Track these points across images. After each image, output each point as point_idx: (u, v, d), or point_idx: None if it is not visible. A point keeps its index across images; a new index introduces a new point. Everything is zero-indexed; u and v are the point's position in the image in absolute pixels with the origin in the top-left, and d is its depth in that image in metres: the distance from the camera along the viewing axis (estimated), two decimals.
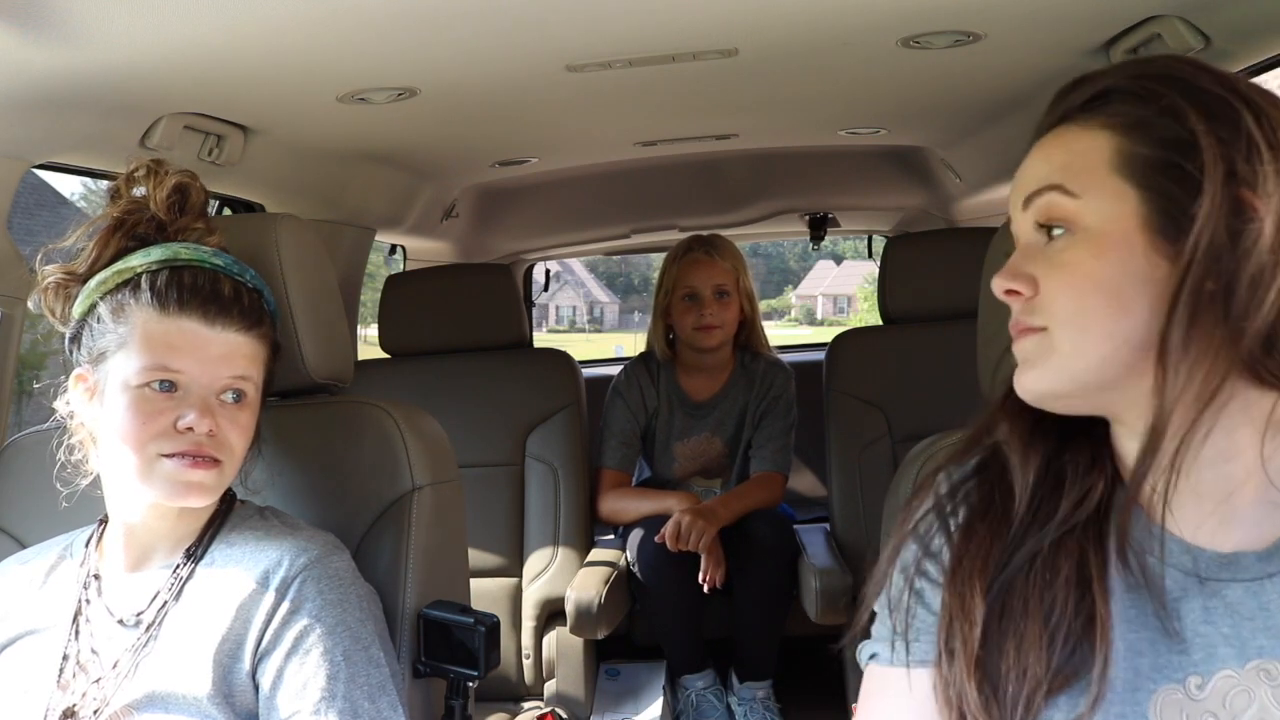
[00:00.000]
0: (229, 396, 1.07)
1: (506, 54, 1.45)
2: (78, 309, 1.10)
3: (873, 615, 0.83)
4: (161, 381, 1.04)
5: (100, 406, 1.07)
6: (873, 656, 0.81)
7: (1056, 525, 0.74)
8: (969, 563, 0.76)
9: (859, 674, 0.84)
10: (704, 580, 2.17)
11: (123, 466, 1.06)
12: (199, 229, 1.14)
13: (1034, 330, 0.73)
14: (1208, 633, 0.71)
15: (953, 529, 0.79)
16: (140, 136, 1.52)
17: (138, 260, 1.08)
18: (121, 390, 1.04)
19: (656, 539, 2.18)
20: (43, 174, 1.75)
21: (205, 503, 1.08)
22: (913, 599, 0.79)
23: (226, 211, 2.02)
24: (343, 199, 2.23)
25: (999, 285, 0.75)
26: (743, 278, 2.45)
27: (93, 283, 1.09)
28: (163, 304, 1.05)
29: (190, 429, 1.03)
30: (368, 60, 1.42)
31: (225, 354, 1.07)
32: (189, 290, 1.06)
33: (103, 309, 1.08)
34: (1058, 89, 0.77)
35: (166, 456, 1.04)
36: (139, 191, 1.12)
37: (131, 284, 1.07)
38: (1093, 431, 0.77)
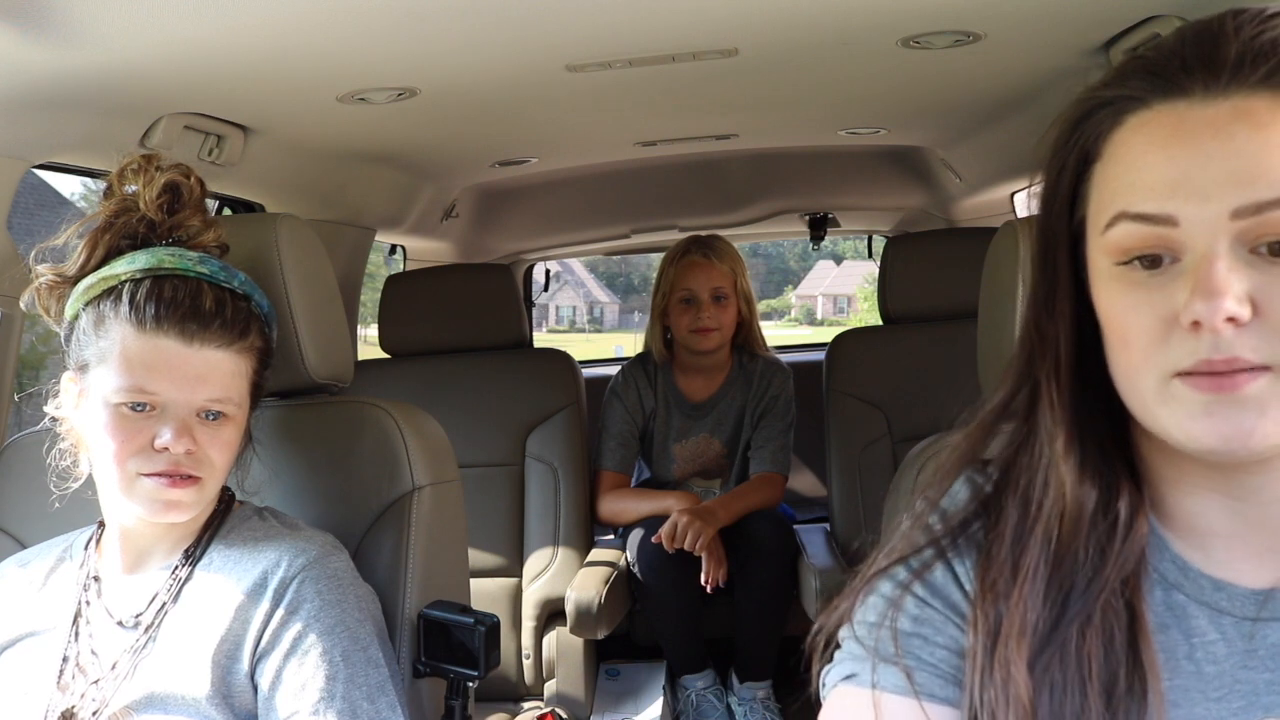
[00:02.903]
0: (208, 415, 1.06)
1: (506, 54, 1.45)
2: (68, 312, 1.09)
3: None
4: (138, 402, 1.03)
5: (87, 412, 1.07)
6: (848, 678, 0.71)
7: (1108, 581, 0.66)
8: (1007, 632, 0.66)
9: None
10: (706, 580, 2.18)
11: (106, 478, 1.06)
12: (194, 225, 1.12)
13: (1258, 370, 0.59)
14: (1248, 678, 0.65)
15: (961, 576, 0.71)
16: (140, 136, 1.52)
17: (122, 268, 1.06)
18: (102, 406, 1.03)
19: (654, 540, 2.18)
20: (43, 174, 1.75)
21: (186, 518, 1.08)
22: (910, 625, 0.71)
23: (226, 211, 2.02)
24: (343, 199, 2.23)
25: (1222, 310, 0.58)
26: (740, 280, 2.44)
27: (80, 287, 1.07)
28: (140, 320, 1.03)
29: (167, 449, 1.02)
30: (368, 60, 1.42)
31: (203, 373, 1.04)
32: (168, 305, 1.03)
33: (85, 319, 1.06)
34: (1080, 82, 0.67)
35: (145, 475, 1.03)
36: (131, 189, 1.10)
37: (113, 294, 1.05)
38: (1130, 461, 0.70)
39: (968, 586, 0.71)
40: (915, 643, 0.70)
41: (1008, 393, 0.73)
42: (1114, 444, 0.70)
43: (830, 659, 0.74)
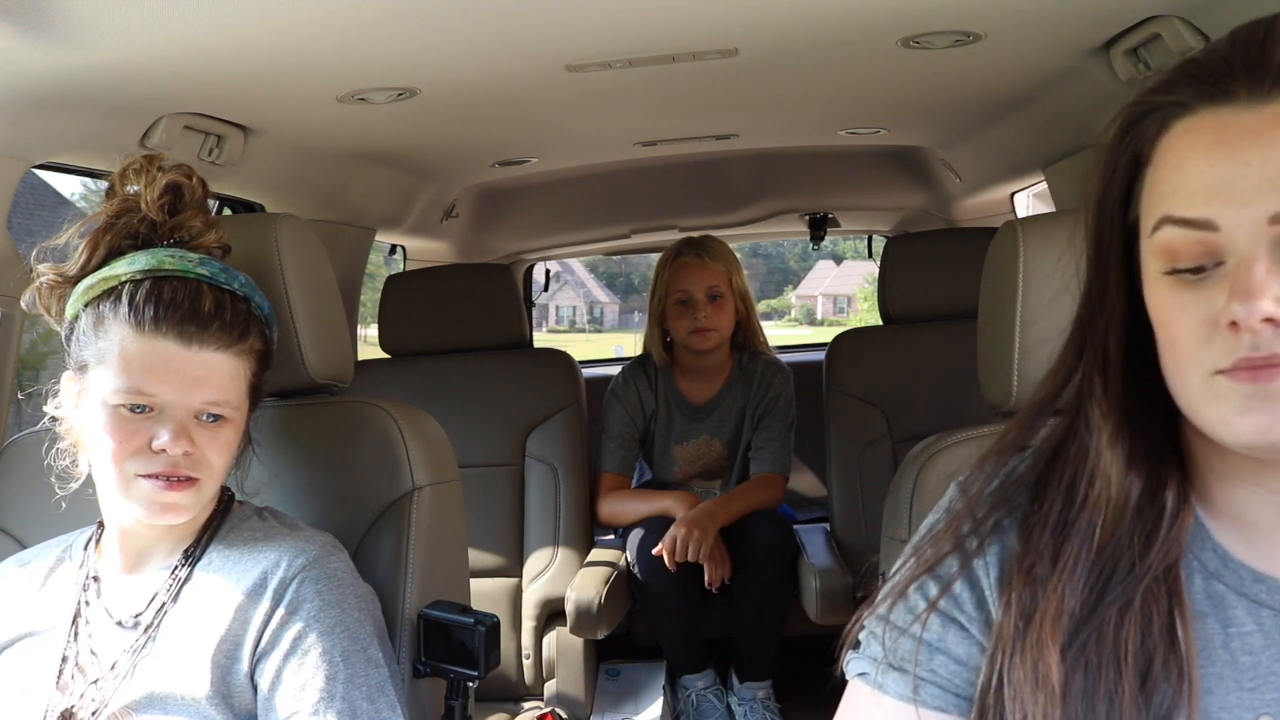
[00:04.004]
0: (206, 417, 1.06)
1: (506, 54, 1.45)
2: (68, 312, 1.09)
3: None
4: (136, 404, 1.02)
5: (86, 412, 1.06)
6: (861, 674, 0.76)
7: (1151, 567, 0.67)
8: (1042, 615, 0.68)
9: None
10: (711, 584, 2.18)
11: (104, 479, 1.06)
12: (196, 226, 1.12)
13: None
14: None
15: (982, 578, 0.73)
16: (140, 136, 1.52)
17: (122, 268, 1.06)
18: (100, 406, 1.03)
19: (654, 552, 2.18)
20: (43, 174, 1.75)
21: (183, 520, 1.07)
22: (926, 634, 0.73)
23: (226, 212, 2.02)
24: (343, 199, 2.23)
25: (1258, 312, 0.60)
26: (736, 278, 2.44)
27: (80, 287, 1.07)
28: (139, 322, 1.03)
29: (164, 450, 1.02)
30: (368, 60, 1.42)
31: (201, 376, 1.04)
32: (167, 307, 1.03)
33: (85, 320, 1.06)
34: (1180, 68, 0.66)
35: (143, 477, 1.03)
36: (133, 189, 1.10)
37: (113, 295, 1.05)
38: (1180, 452, 0.72)
39: (987, 586, 0.73)
40: (925, 652, 0.73)
41: (1055, 385, 0.75)
42: (1164, 436, 0.72)
43: (857, 644, 0.77)
